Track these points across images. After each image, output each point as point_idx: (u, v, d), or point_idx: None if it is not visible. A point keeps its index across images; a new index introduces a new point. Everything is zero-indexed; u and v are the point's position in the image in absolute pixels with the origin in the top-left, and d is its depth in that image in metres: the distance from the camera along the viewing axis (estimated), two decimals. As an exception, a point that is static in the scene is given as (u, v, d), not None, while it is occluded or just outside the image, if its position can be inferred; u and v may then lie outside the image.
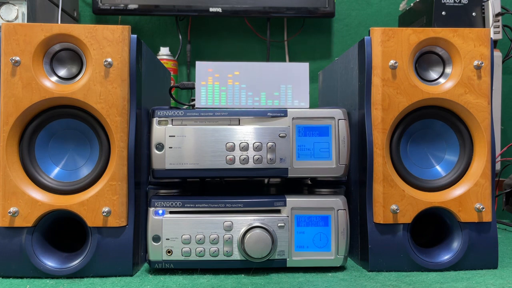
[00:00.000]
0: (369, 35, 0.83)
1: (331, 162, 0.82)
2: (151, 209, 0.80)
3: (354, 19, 1.59)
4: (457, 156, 0.84)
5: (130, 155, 0.78)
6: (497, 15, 1.26)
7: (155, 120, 0.80)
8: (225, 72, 0.87)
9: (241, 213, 0.80)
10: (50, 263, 0.77)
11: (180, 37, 1.51)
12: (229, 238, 0.79)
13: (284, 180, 1.04)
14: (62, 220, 0.81)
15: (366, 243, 0.82)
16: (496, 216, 1.05)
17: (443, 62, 0.84)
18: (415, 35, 0.81)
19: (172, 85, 1.15)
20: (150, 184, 0.86)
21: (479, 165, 0.82)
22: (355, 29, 1.59)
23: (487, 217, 0.82)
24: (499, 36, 1.28)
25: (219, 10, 1.40)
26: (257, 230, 0.78)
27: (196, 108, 0.86)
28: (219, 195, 0.83)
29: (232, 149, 0.80)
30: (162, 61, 1.24)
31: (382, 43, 0.81)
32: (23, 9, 1.16)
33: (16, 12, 1.15)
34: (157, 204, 0.80)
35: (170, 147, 0.80)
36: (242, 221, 0.79)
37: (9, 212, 0.76)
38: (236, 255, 0.79)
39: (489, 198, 0.82)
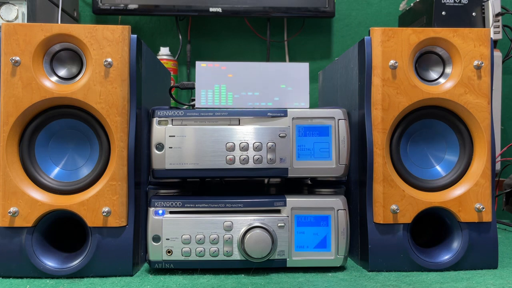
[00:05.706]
0: (369, 35, 0.83)
1: (331, 162, 0.82)
2: (151, 209, 0.80)
3: (354, 19, 1.59)
4: (457, 156, 0.84)
5: (130, 155, 0.78)
6: (497, 15, 1.26)
7: (155, 120, 0.80)
8: (225, 72, 0.87)
9: (241, 213, 0.80)
10: (50, 263, 0.77)
11: (180, 37, 1.51)
12: (229, 238, 0.79)
13: (284, 180, 1.04)
14: (62, 220, 0.81)
15: (366, 243, 0.82)
16: (496, 216, 1.05)
17: (443, 62, 0.84)
18: (415, 35, 0.81)
19: (172, 85, 1.15)
20: (150, 184, 0.86)
21: (479, 165, 0.82)
22: (355, 29, 1.59)
23: (487, 217, 0.82)
24: (499, 36, 1.28)
25: (219, 10, 1.40)
26: (257, 230, 0.78)
27: (196, 108, 0.86)
28: (219, 195, 0.83)
29: (232, 149, 0.80)
30: (162, 61, 1.24)
31: (382, 43, 0.81)
32: (23, 9, 1.16)
33: (16, 12, 1.15)
34: (157, 204, 0.80)
35: (170, 147, 0.80)
36: (242, 221, 0.79)
37: (9, 212, 0.76)
38: (236, 255, 0.79)
39: (489, 198, 0.82)
